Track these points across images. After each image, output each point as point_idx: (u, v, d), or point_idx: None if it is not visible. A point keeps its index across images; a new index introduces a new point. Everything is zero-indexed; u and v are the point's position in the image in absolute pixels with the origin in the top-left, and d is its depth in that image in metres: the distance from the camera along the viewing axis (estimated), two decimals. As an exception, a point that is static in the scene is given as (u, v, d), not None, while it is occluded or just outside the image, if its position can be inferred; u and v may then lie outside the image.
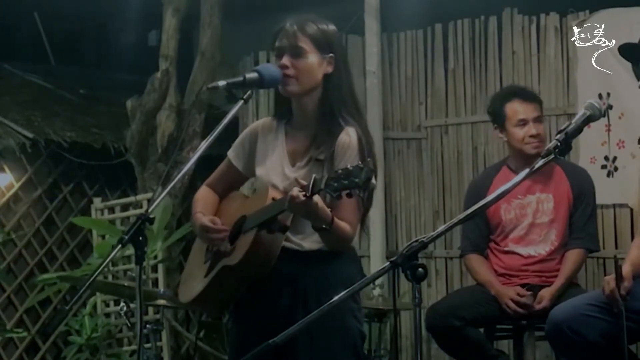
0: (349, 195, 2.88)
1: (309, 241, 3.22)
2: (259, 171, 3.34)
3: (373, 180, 3.20)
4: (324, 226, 3.08)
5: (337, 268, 3.25)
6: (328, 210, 3.08)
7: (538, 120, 4.84)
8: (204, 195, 3.45)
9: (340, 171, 2.89)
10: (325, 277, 3.22)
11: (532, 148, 4.79)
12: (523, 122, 4.81)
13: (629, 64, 5.15)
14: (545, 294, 4.69)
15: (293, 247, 3.23)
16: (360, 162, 2.89)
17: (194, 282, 3.37)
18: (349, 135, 3.19)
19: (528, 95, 4.93)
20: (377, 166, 3.28)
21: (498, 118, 4.91)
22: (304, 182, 2.97)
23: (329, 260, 3.24)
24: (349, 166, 2.89)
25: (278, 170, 3.28)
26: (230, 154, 3.44)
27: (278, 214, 3.10)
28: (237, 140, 3.45)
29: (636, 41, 4.83)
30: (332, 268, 3.24)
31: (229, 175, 3.45)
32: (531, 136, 4.80)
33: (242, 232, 3.23)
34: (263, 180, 3.31)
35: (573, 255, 4.80)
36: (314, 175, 2.96)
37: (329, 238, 3.16)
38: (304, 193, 2.95)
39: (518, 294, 4.71)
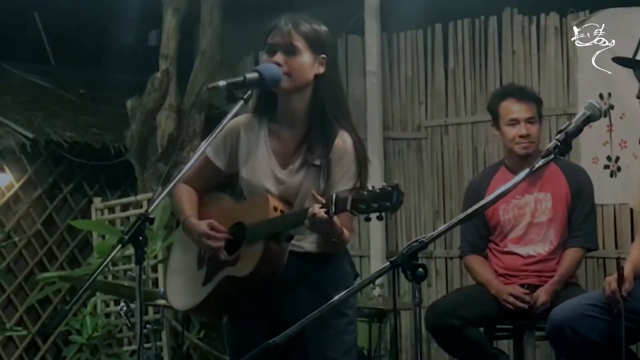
0: (379, 218, 2.87)
1: (309, 242, 3.23)
2: (244, 172, 3.31)
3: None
4: (334, 239, 3.09)
5: (337, 266, 3.27)
6: (341, 226, 3.08)
7: (531, 120, 4.81)
8: (187, 195, 3.38)
9: (365, 192, 2.86)
10: (327, 275, 3.24)
11: (521, 148, 4.78)
12: (514, 122, 4.80)
13: (629, 65, 5.15)
14: (542, 292, 4.69)
15: (293, 250, 3.23)
16: (388, 185, 2.87)
17: (190, 289, 3.33)
18: (344, 141, 3.19)
19: (524, 95, 4.89)
20: (368, 167, 3.26)
21: (494, 116, 4.92)
22: (321, 199, 2.95)
23: (329, 260, 3.26)
24: (376, 188, 2.86)
25: (267, 172, 3.26)
26: (209, 152, 3.35)
27: (292, 228, 3.10)
28: (218, 138, 3.28)
29: (636, 41, 4.83)
30: (333, 266, 3.26)
31: (207, 173, 3.38)
32: (521, 136, 4.78)
33: (246, 243, 3.20)
34: (251, 183, 3.28)
35: (570, 254, 4.80)
36: (334, 194, 2.94)
37: (332, 245, 3.17)
38: (325, 210, 2.94)
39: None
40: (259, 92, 3.32)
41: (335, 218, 3.00)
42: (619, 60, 4.45)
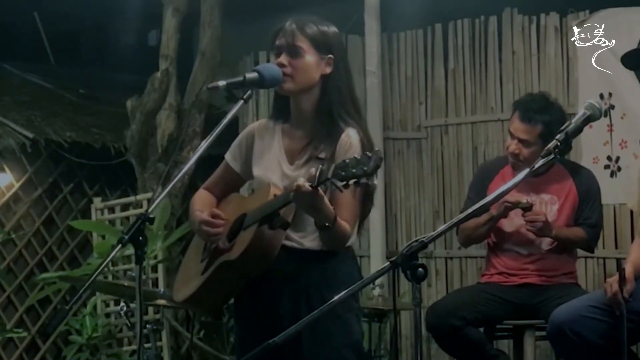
0: (357, 184, 2.89)
1: (309, 239, 3.22)
2: (256, 171, 3.34)
3: (375, 181, 3.21)
4: (327, 224, 3.07)
5: (337, 266, 3.25)
6: (331, 207, 3.07)
7: (524, 142, 4.70)
8: (201, 197, 3.44)
9: (347, 160, 2.89)
10: (326, 274, 3.23)
11: (510, 159, 4.78)
12: (511, 135, 4.78)
13: (630, 64, 5.15)
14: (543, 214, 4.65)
15: (294, 246, 3.23)
16: (368, 152, 2.90)
17: (190, 280, 3.36)
18: (349, 136, 3.20)
19: (528, 116, 4.71)
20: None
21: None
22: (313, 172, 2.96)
23: (329, 259, 3.24)
24: (356, 155, 2.89)
25: (276, 169, 3.28)
26: (227, 156, 3.44)
27: (281, 207, 3.09)
28: (234, 143, 3.44)
29: (636, 41, 4.83)
30: (333, 266, 3.25)
31: (227, 178, 3.45)
32: (511, 151, 4.77)
33: (243, 229, 3.22)
34: (261, 180, 3.30)
35: (576, 227, 4.78)
36: (319, 165, 2.96)
37: (328, 236, 3.15)
38: (309, 183, 2.95)
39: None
40: (274, 96, 3.37)
41: (323, 195, 3.00)
42: (628, 58, 4.43)
